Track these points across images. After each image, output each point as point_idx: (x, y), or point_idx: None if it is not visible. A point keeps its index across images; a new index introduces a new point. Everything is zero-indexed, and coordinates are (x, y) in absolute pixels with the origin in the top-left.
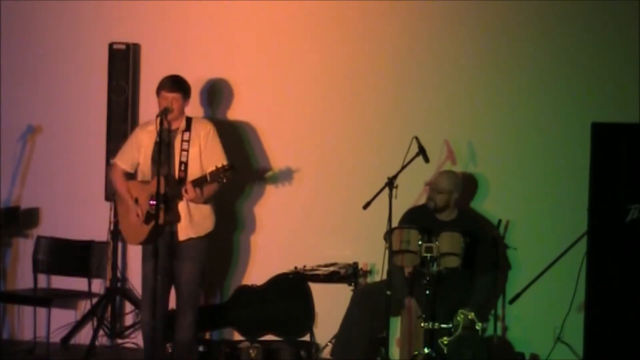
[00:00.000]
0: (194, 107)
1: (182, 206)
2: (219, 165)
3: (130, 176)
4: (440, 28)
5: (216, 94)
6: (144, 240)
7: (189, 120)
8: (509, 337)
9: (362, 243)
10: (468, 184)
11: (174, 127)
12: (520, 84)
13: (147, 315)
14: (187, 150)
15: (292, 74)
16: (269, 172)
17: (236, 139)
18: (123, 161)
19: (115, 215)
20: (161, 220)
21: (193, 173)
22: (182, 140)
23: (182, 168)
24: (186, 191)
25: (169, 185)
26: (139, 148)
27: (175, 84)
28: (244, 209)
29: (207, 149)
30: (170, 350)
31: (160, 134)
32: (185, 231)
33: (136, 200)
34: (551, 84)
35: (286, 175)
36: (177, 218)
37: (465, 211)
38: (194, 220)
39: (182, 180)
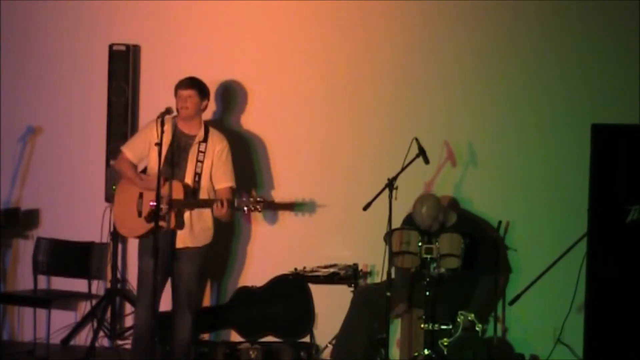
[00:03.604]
0: None
1: (185, 215)
2: (232, 188)
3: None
4: (440, 28)
5: (216, 94)
6: (140, 235)
7: (206, 130)
8: (509, 338)
9: (362, 244)
10: (467, 184)
11: (190, 132)
12: (520, 84)
13: (143, 311)
14: (202, 162)
15: (292, 75)
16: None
17: (235, 139)
18: (131, 151)
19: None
20: (169, 225)
21: (204, 186)
22: (199, 151)
23: (197, 179)
24: (222, 205)
25: (185, 194)
26: (150, 145)
27: (191, 81)
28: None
29: (219, 166)
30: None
31: (161, 135)
32: (183, 240)
33: (140, 195)
34: (551, 84)
35: (303, 207)
36: (182, 226)
37: (464, 214)
38: (194, 231)
39: (195, 192)
